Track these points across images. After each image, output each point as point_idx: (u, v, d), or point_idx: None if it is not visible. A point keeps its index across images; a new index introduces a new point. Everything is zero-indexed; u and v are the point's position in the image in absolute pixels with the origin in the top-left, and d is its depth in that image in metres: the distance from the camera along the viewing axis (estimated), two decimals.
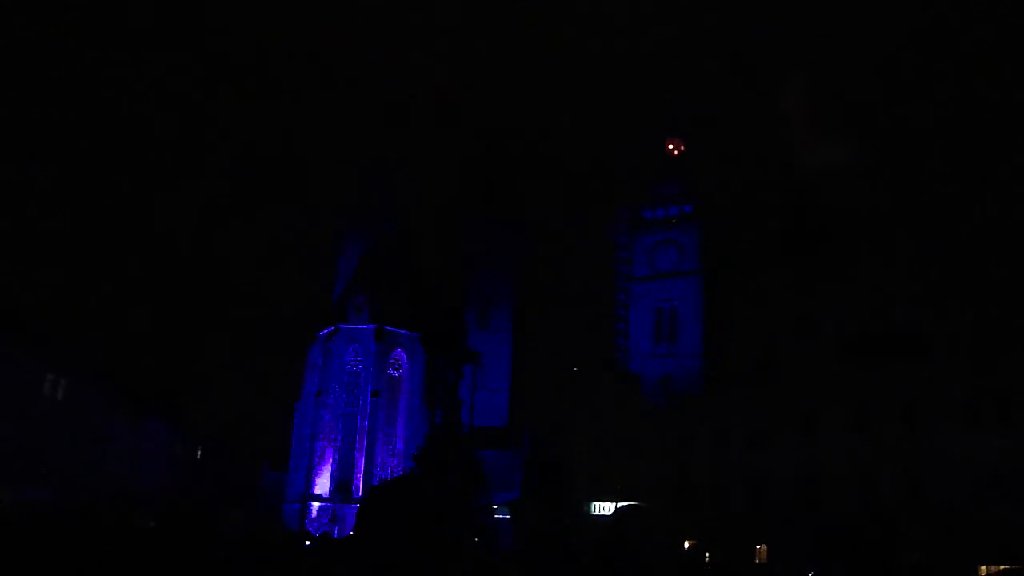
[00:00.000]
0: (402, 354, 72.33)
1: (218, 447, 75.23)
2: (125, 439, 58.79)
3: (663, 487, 52.52)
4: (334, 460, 68.55)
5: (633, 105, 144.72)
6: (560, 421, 62.59)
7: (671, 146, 74.07)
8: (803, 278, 54.69)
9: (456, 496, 38.04)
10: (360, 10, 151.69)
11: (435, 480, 38.59)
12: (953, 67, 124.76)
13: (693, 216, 69.21)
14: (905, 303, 54.65)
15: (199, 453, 72.46)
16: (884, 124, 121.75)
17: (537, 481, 61.42)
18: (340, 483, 67.70)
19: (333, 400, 70.07)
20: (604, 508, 54.21)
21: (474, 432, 59.22)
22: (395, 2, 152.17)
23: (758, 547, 49.40)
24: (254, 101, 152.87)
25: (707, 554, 49.81)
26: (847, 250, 57.26)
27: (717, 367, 62.65)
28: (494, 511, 49.79)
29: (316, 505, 67.03)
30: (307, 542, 42.16)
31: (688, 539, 51.18)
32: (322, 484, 68.05)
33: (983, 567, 42.13)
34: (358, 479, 67.16)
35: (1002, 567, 40.73)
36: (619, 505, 53.24)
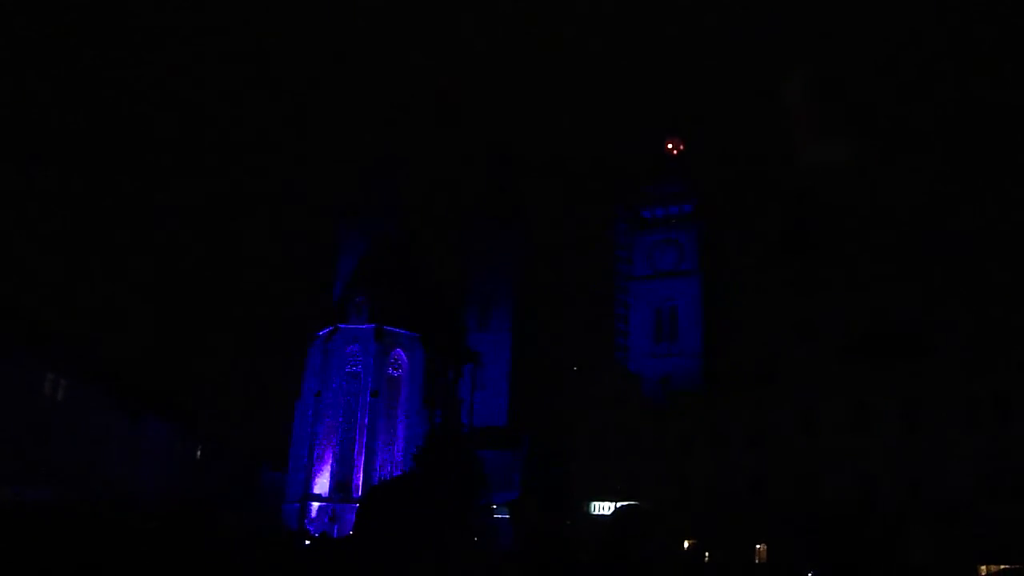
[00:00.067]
0: (402, 354, 72.32)
1: (218, 447, 75.20)
2: (125, 439, 58.78)
3: (663, 487, 52.52)
4: (334, 460, 68.55)
5: (633, 105, 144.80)
6: (560, 421, 62.59)
7: (671, 146, 74.05)
8: (803, 277, 54.67)
9: (456, 496, 38.04)
10: (360, 10, 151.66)
11: (435, 480, 38.59)
12: (953, 67, 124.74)
13: (693, 215, 69.21)
14: (905, 303, 54.68)
15: (199, 453, 72.45)
16: (884, 124, 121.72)
17: (537, 481, 61.42)
18: (340, 483, 67.69)
19: (333, 400, 70.06)
20: (604, 508, 54.21)
21: (474, 432, 59.25)
22: (395, 2, 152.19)
23: (758, 546, 49.40)
24: (254, 101, 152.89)
25: (707, 554, 49.82)
26: (847, 250, 57.31)
27: (717, 367, 62.61)
28: (494, 511, 49.89)
29: (316, 505, 67.01)
30: (307, 542, 42.20)
31: (688, 539, 51.17)
32: (322, 484, 68.04)
33: (983, 566, 42.16)
34: (358, 479, 67.15)
35: (1002, 567, 40.77)
36: (619, 505, 53.23)
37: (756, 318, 59.71)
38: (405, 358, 72.33)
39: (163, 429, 65.37)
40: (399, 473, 60.50)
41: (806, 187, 62.61)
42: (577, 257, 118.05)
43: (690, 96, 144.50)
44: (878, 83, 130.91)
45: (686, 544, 51.15)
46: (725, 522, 49.56)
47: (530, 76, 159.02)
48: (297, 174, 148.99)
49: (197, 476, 69.31)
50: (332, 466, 68.30)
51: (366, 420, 68.71)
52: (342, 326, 71.49)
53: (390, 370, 71.63)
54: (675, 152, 73.99)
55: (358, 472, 67.52)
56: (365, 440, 68.25)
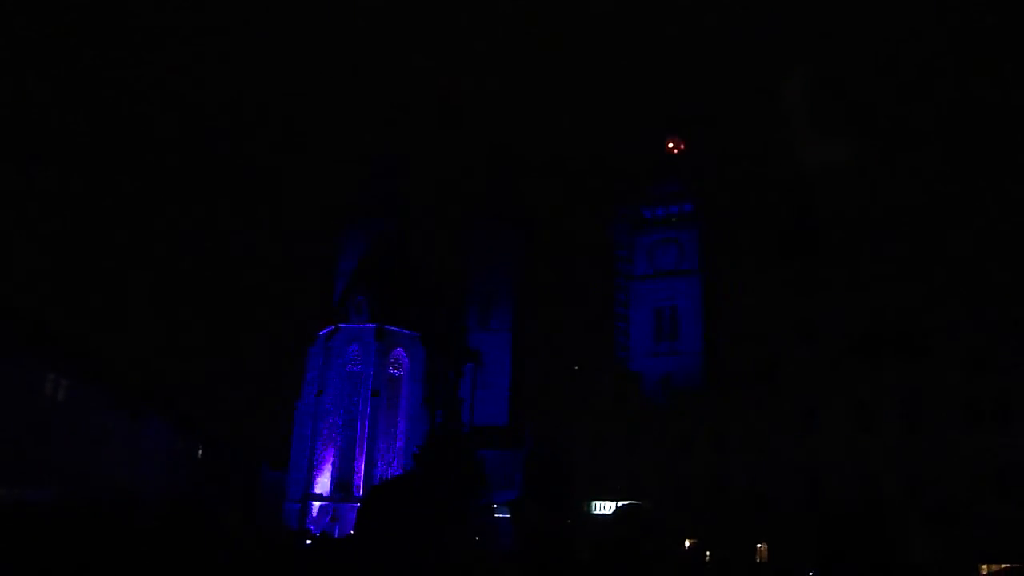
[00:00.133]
0: (402, 353, 72.37)
1: (219, 446, 75.24)
2: (126, 439, 58.77)
3: (663, 486, 52.54)
4: (334, 459, 68.59)
5: (633, 105, 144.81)
6: (560, 420, 62.70)
7: (671, 145, 74.04)
8: (803, 277, 54.67)
9: (456, 495, 38.11)
10: (361, 10, 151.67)
11: (435, 479, 38.67)
12: (953, 67, 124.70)
13: (693, 215, 69.19)
14: (905, 302, 54.68)
15: (200, 452, 72.48)
16: (884, 124, 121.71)
17: (537, 480, 61.45)
18: (340, 482, 67.74)
19: (333, 399, 70.11)
20: (604, 507, 54.22)
21: (474, 431, 59.33)
22: (396, 2, 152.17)
23: (759, 546, 49.42)
24: (254, 101, 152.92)
25: (707, 553, 49.83)
26: (847, 249, 57.29)
27: (717, 366, 62.64)
28: (494, 510, 49.96)
29: (317, 504, 67.07)
30: (308, 541, 42.24)
31: (689, 538, 51.18)
32: (322, 483, 68.09)
33: (984, 566, 42.16)
34: (358, 478, 67.21)
35: (1003, 566, 40.77)
36: (619, 504, 53.27)
37: (756, 318, 59.69)
38: (406, 357, 72.38)
39: (164, 429, 65.37)
40: (400, 472, 60.60)
41: (806, 186, 62.63)
42: (577, 256, 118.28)
43: (690, 96, 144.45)
44: (878, 83, 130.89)
45: (687, 543, 51.17)
46: (726, 521, 49.59)
47: (530, 76, 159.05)
48: (298, 174, 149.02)
49: (198, 476, 69.35)
50: (333, 465, 68.35)
51: (367, 419, 68.76)
52: (343, 325, 71.54)
53: (391, 369, 71.67)
54: (675, 151, 73.98)
55: (359, 471, 67.58)
56: (366, 439, 68.30)
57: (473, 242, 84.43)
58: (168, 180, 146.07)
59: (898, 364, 47.91)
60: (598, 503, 54.76)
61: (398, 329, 71.76)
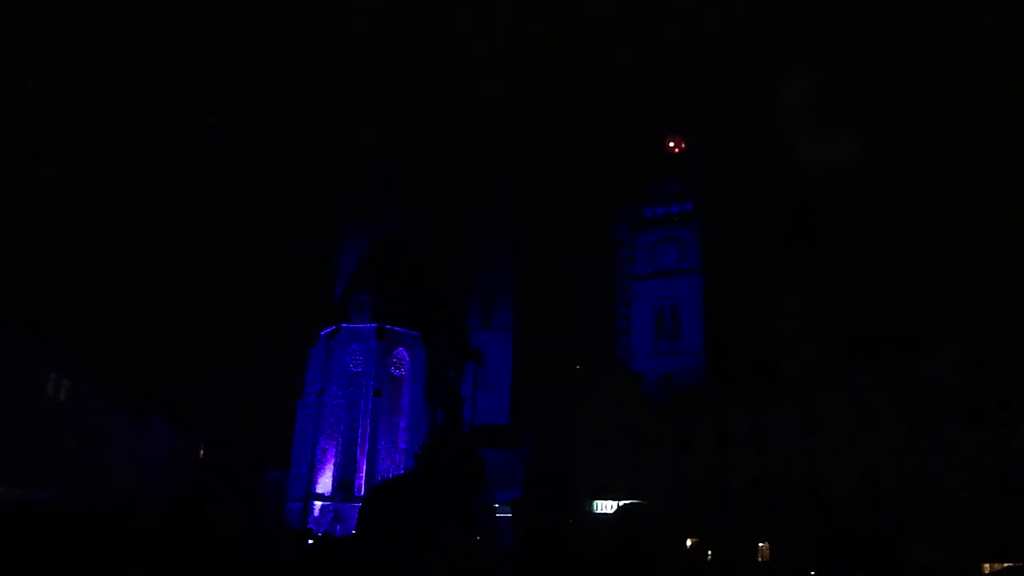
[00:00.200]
0: (404, 353, 72.37)
1: (220, 446, 75.27)
2: (128, 439, 58.84)
3: (665, 485, 52.56)
4: (336, 459, 68.60)
5: (633, 104, 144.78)
6: (562, 419, 62.58)
7: (672, 144, 73.99)
8: (804, 276, 54.66)
9: (458, 495, 38.12)
10: (361, 10, 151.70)
11: (437, 479, 38.67)
12: (953, 67, 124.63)
13: (694, 214, 69.11)
14: (906, 301, 54.70)
15: (201, 452, 72.53)
16: (884, 123, 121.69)
17: (538, 480, 61.42)
18: (342, 482, 67.74)
19: (335, 399, 70.10)
20: (606, 507, 54.22)
21: (476, 430, 59.28)
22: (396, 3, 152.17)
23: (760, 545, 49.42)
24: (255, 101, 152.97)
25: (709, 552, 49.83)
26: (848, 248, 57.25)
27: (719, 365, 62.58)
28: (495, 510, 49.88)
29: (318, 504, 67.08)
30: (310, 541, 42.24)
31: (690, 537, 51.19)
32: (324, 483, 68.11)
33: (986, 565, 42.16)
34: (360, 478, 67.21)
35: (1006, 565, 40.76)
36: (621, 503, 53.27)
37: (758, 316, 59.74)
38: (407, 357, 72.39)
39: (165, 429, 65.43)
40: (401, 472, 60.61)
41: (807, 185, 62.57)
42: (578, 256, 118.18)
43: (691, 95, 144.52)
44: (878, 83, 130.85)
45: (688, 543, 51.19)
46: (727, 521, 49.62)
47: (530, 76, 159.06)
48: (298, 174, 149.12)
49: (199, 475, 69.37)
50: (335, 465, 68.36)
51: (368, 419, 68.76)
52: (344, 325, 71.54)
53: (392, 369, 71.67)
54: (676, 150, 73.92)
55: (360, 471, 67.58)
56: (367, 439, 68.31)
57: (474, 242, 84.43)
58: (168, 180, 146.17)
59: (899, 363, 47.94)
60: (599, 502, 54.77)
61: (399, 329, 71.76)
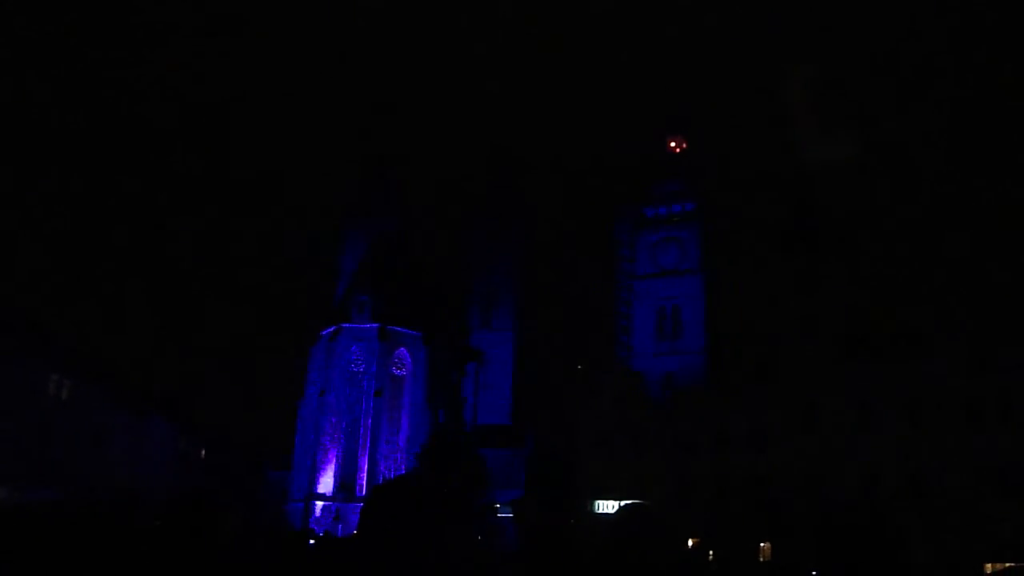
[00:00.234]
0: (405, 353, 72.36)
1: (221, 446, 75.28)
2: (129, 439, 58.84)
3: (666, 485, 52.51)
4: (337, 459, 68.60)
5: (634, 104, 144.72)
6: (563, 419, 62.62)
7: (672, 144, 73.97)
8: (805, 276, 54.63)
9: (459, 495, 37.99)
10: (361, 11, 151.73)
11: (438, 479, 38.57)
12: (953, 66, 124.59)
13: (695, 214, 69.12)
14: (906, 301, 54.67)
15: (203, 452, 72.55)
16: (885, 122, 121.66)
17: (540, 480, 61.38)
18: (343, 482, 67.75)
19: (336, 399, 70.11)
20: (607, 506, 54.18)
21: (477, 430, 59.33)
22: (396, 3, 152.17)
23: (762, 545, 49.39)
24: (255, 101, 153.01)
25: (711, 552, 49.79)
26: (849, 248, 57.24)
27: (720, 365, 62.58)
28: (497, 510, 49.80)
29: (320, 504, 67.09)
30: (311, 541, 42.20)
31: (692, 537, 51.15)
32: (325, 483, 68.11)
33: (988, 564, 42.10)
34: (361, 478, 67.22)
35: (1008, 564, 40.70)
36: (622, 504, 53.19)
37: (758, 316, 59.69)
38: (408, 357, 72.37)
39: (167, 428, 65.45)
40: (402, 472, 60.54)
41: (807, 185, 62.55)
42: (579, 256, 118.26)
43: (691, 95, 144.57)
44: (878, 83, 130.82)
45: (690, 543, 51.14)
46: (729, 521, 49.58)
47: (531, 76, 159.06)
48: (298, 174, 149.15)
49: (201, 475, 69.38)
50: (336, 465, 68.36)
51: (369, 419, 68.78)
52: (345, 325, 71.52)
53: (393, 369, 71.66)
54: (677, 150, 73.89)
55: (362, 471, 67.59)
56: (369, 439, 68.32)
57: (474, 242, 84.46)
58: (169, 180, 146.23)
59: (899, 363, 47.90)
60: (601, 502, 54.75)
61: (401, 329, 71.76)
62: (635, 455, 54.38)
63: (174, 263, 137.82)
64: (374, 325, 70.95)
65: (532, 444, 67.42)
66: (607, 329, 72.52)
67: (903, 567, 40.36)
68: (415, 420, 70.05)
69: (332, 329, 71.97)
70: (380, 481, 62.22)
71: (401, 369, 72.20)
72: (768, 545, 49.20)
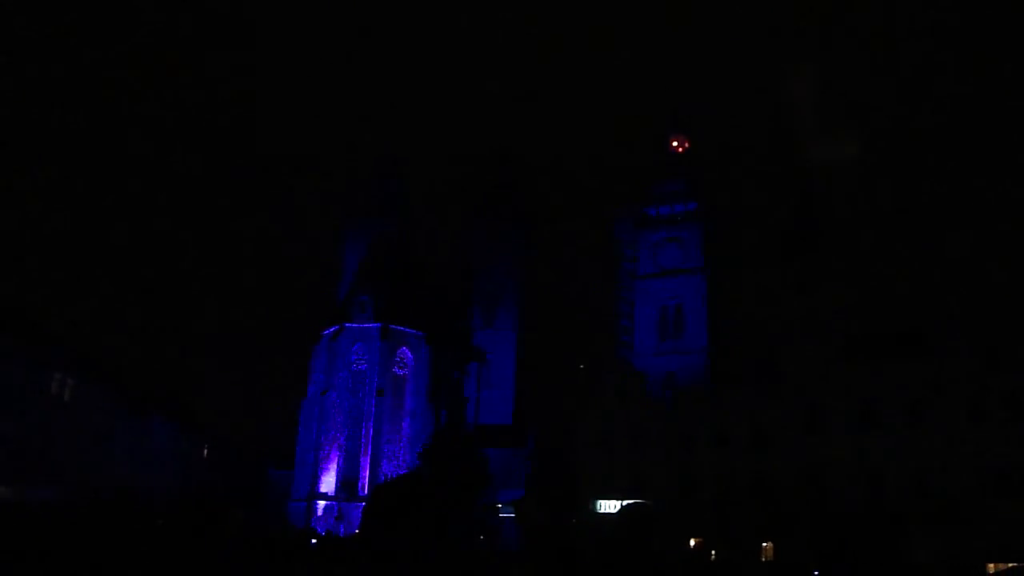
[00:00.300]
0: (407, 352, 72.34)
1: (224, 446, 75.41)
2: (132, 438, 58.97)
3: (669, 485, 52.51)
4: (339, 459, 68.61)
5: (636, 103, 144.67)
6: (565, 419, 62.60)
7: (675, 144, 73.91)
8: (807, 275, 54.58)
9: (461, 494, 38.03)
10: (362, 11, 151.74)
11: (440, 478, 38.58)
12: (954, 65, 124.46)
13: (697, 213, 69.05)
14: (909, 300, 54.61)
15: (205, 452, 72.64)
16: (887, 123, 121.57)
17: (542, 479, 61.44)
18: (346, 482, 67.76)
19: (338, 399, 70.11)
20: (609, 506, 54.16)
21: (479, 430, 59.31)
22: (397, 3, 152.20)
23: (764, 545, 49.37)
24: (256, 101, 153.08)
25: (713, 552, 49.78)
26: (851, 247, 57.28)
27: (722, 364, 62.52)
28: (499, 509, 49.85)
29: (322, 504, 67.12)
30: (313, 541, 42.25)
31: (694, 537, 51.15)
32: (328, 483, 68.13)
33: (990, 564, 42.04)
34: (364, 478, 67.25)
35: (1010, 565, 40.65)
36: (624, 503, 53.17)
37: (760, 316, 59.66)
38: (411, 357, 72.37)
39: (170, 428, 65.57)
40: (405, 472, 60.57)
41: (809, 184, 62.47)
42: (581, 255, 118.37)
43: (693, 95, 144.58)
44: (881, 81, 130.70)
45: (692, 542, 51.14)
46: (731, 520, 49.55)
47: (532, 76, 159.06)
48: (301, 173, 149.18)
49: (203, 475, 69.51)
50: (338, 465, 68.38)
51: (371, 419, 68.77)
52: (347, 325, 71.53)
53: (396, 369, 71.66)
54: (679, 150, 73.82)
55: (364, 471, 67.61)
56: (371, 439, 68.31)
57: (477, 241, 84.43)
58: (171, 180, 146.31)
59: (901, 363, 47.84)
60: (603, 502, 54.73)
61: (403, 328, 71.75)
62: (637, 454, 54.37)
63: (175, 263, 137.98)
64: (376, 324, 70.95)
65: (534, 444, 67.40)
66: (609, 329, 72.57)
67: (905, 566, 40.34)
68: (417, 420, 70.05)
69: (334, 328, 72.00)
70: (382, 480, 62.25)
71: (403, 368, 72.20)
72: (770, 545, 49.17)
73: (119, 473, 54.69)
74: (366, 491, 63.97)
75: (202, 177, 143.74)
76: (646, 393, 58.25)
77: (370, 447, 68.10)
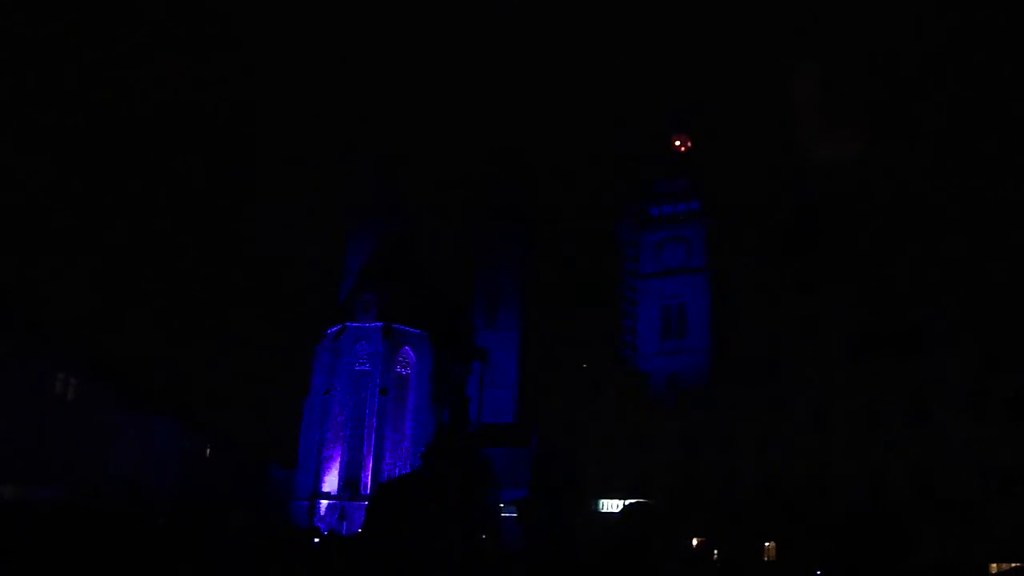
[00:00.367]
0: (410, 352, 72.37)
1: (227, 445, 75.36)
2: (135, 437, 58.97)
3: (671, 484, 52.48)
4: (342, 458, 68.69)
5: (638, 102, 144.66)
6: (568, 418, 62.53)
7: (678, 143, 73.82)
8: (810, 275, 54.51)
9: (464, 494, 38.08)
10: (363, 11, 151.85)
11: (443, 478, 38.63)
12: (953, 66, 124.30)
13: (700, 213, 68.95)
14: (911, 299, 54.56)
15: (208, 451, 72.66)
16: (890, 123, 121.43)
17: (545, 478, 61.41)
18: (348, 481, 67.84)
19: (341, 398, 70.17)
20: (612, 506, 54.16)
21: (482, 429, 59.39)
22: (398, 3, 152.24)
23: (767, 544, 49.33)
24: (257, 101, 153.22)
25: (715, 552, 49.77)
26: (853, 247, 57.15)
27: (725, 364, 62.46)
28: (501, 509, 49.88)
29: (325, 503, 67.21)
30: (316, 539, 42.33)
31: (696, 537, 51.13)
32: (330, 482, 68.20)
33: (994, 564, 41.99)
34: (366, 477, 67.31)
35: (1014, 564, 40.60)
36: (627, 503, 53.20)
37: (764, 315, 59.56)
38: (413, 356, 72.39)
39: (172, 428, 65.54)
40: (407, 471, 60.63)
41: (811, 183, 62.42)
42: (584, 255, 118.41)
43: (697, 94, 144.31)
44: (884, 81, 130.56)
45: (695, 542, 51.12)
46: (734, 520, 49.52)
47: (535, 74, 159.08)
48: (303, 173, 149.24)
49: (206, 474, 69.49)
50: (341, 464, 68.46)
51: (374, 418, 68.83)
52: (350, 324, 71.57)
53: (398, 368, 71.71)
54: (682, 149, 73.73)
55: (367, 470, 67.68)
56: (374, 438, 68.37)
57: (479, 241, 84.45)
58: (172, 180, 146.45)
59: (904, 363, 47.77)
60: (605, 501, 54.74)
61: (406, 328, 71.78)
62: (640, 454, 54.34)
63: (176, 262, 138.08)
64: (379, 324, 70.98)
65: (537, 443, 67.38)
66: (612, 328, 72.45)
67: (908, 567, 40.28)
68: (420, 419, 70.09)
69: (337, 328, 72.06)
70: (385, 480, 62.34)
71: (406, 368, 72.24)
72: (773, 545, 49.13)
73: (122, 472, 54.72)
74: (369, 490, 64.05)
75: (202, 177, 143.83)
76: (649, 393, 58.25)
77: (373, 446, 68.16)
